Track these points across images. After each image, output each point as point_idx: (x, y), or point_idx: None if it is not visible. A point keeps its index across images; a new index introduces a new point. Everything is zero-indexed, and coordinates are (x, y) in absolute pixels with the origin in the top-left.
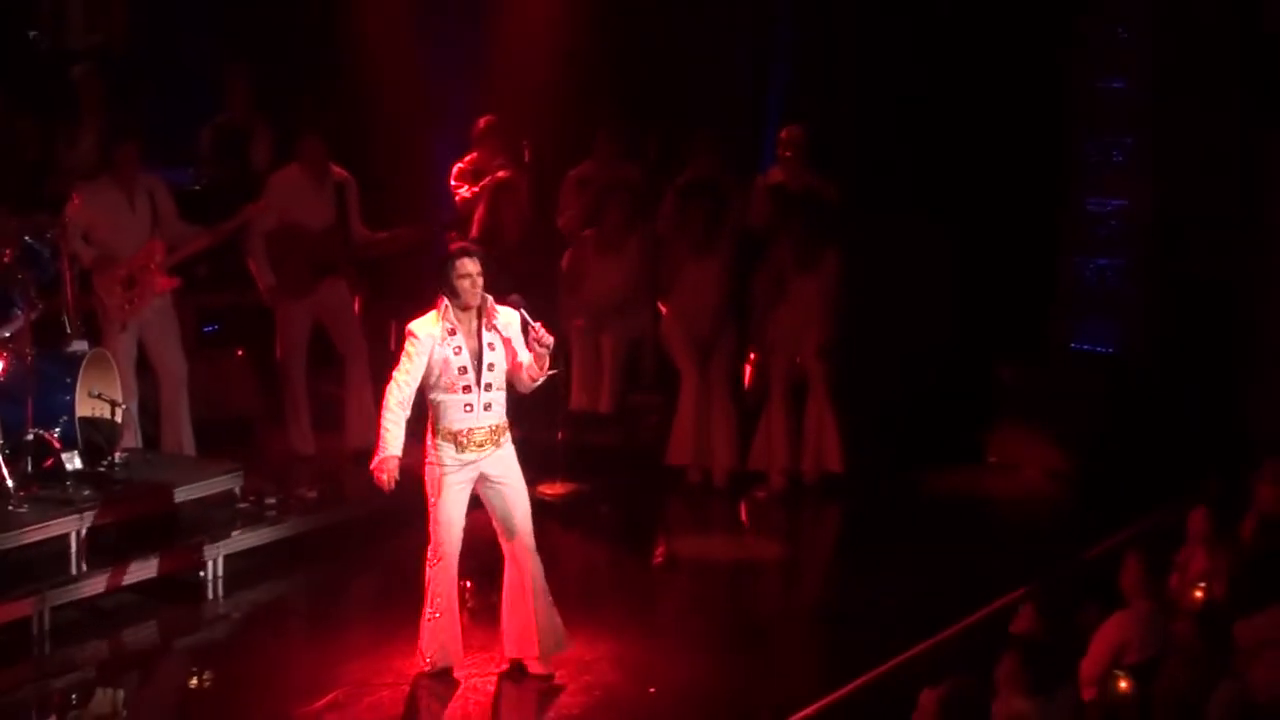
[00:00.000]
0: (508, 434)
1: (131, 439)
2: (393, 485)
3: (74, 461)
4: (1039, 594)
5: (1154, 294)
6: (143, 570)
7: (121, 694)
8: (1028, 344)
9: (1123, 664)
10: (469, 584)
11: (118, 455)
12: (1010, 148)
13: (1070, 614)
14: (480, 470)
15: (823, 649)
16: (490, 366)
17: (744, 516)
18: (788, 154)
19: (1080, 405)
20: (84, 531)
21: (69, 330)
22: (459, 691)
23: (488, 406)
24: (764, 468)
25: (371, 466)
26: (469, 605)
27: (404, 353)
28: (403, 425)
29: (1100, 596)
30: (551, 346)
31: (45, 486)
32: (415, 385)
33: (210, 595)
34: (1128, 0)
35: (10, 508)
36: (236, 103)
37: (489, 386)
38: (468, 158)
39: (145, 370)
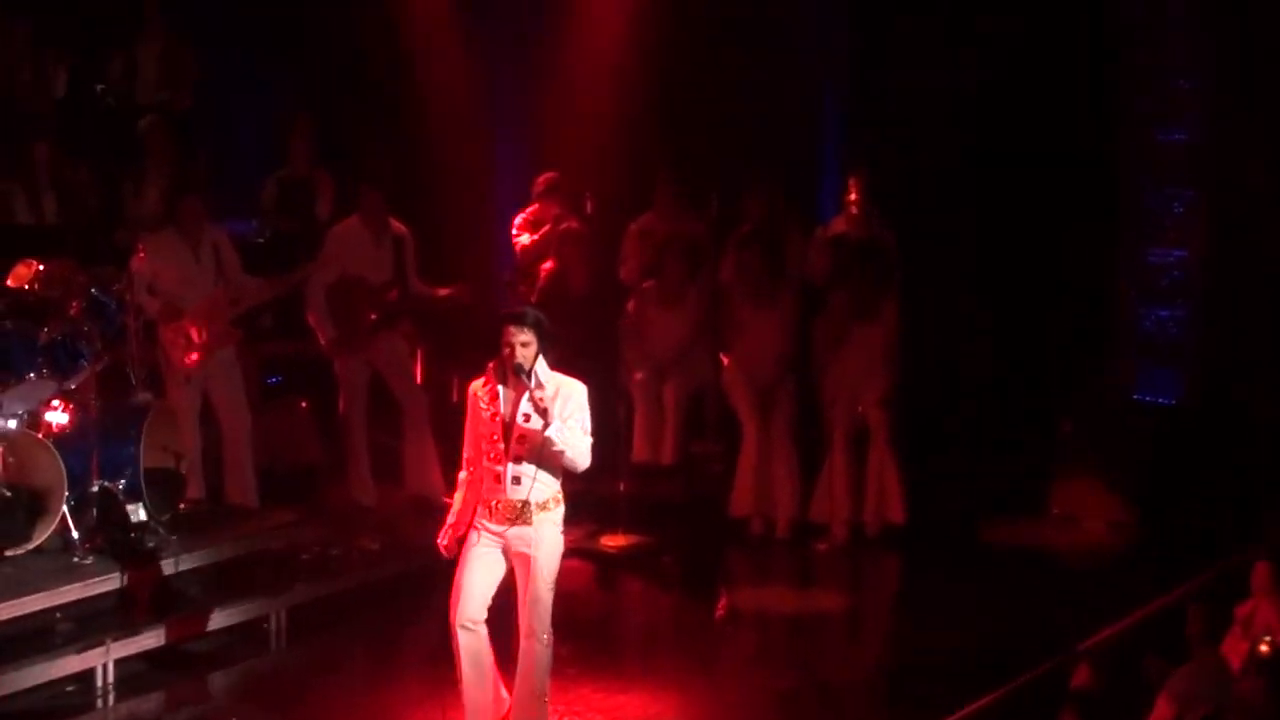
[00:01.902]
0: (546, 513)
1: (196, 490)
2: (450, 554)
3: (138, 513)
4: (1095, 651)
5: (1215, 345)
6: (207, 621)
7: None
8: (1090, 395)
9: (1188, 718)
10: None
11: (182, 506)
12: (1072, 199)
13: (1132, 668)
14: (508, 544)
15: (885, 702)
16: (521, 439)
17: (806, 568)
18: (854, 198)
19: (1141, 457)
20: (149, 583)
21: (134, 382)
22: None
23: (516, 480)
24: (826, 519)
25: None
26: None
27: None
28: (464, 491)
29: (1164, 649)
30: (547, 413)
31: (110, 538)
32: (474, 448)
33: (274, 645)
34: (1188, 52)
35: (75, 559)
36: (299, 156)
37: (519, 459)
38: (529, 209)
39: (209, 421)
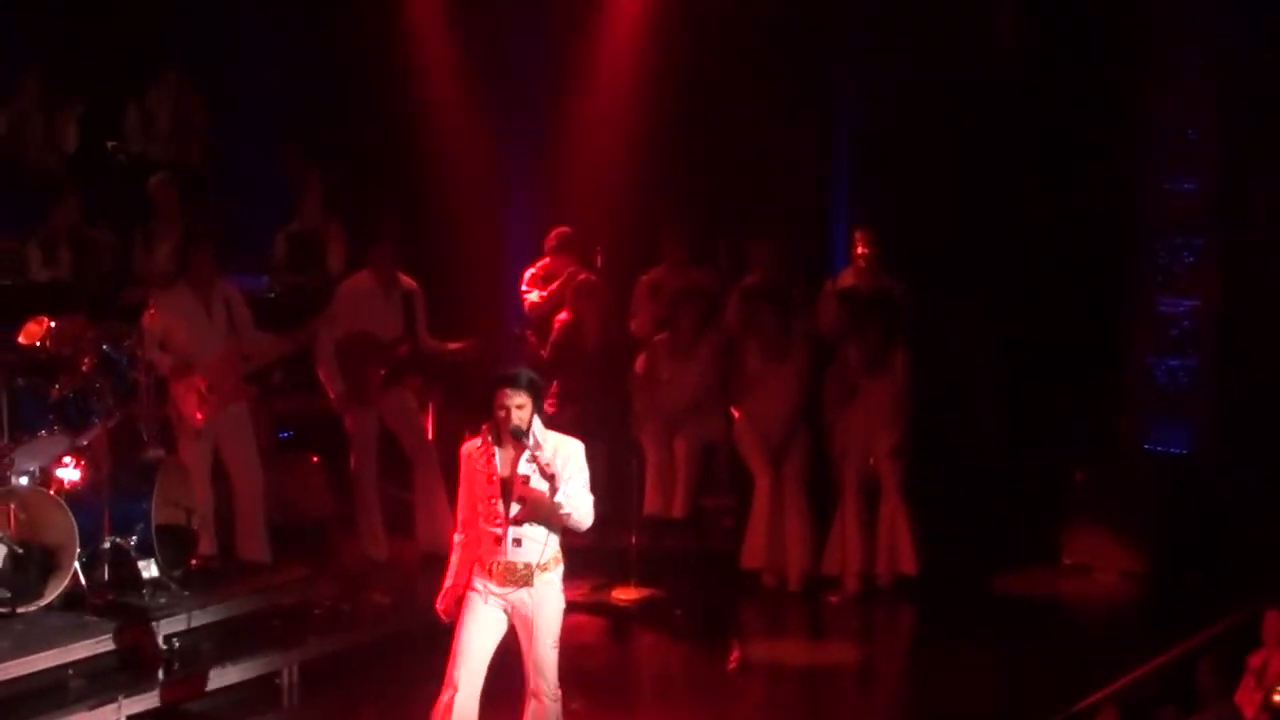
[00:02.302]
0: (547, 574)
1: (207, 546)
2: (450, 617)
3: (150, 569)
4: (1113, 700)
5: (1226, 394)
6: (219, 677)
7: None
8: (1101, 445)
9: None
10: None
11: (194, 562)
12: (1082, 247)
13: (1146, 718)
14: (509, 605)
15: None
16: (521, 500)
17: (819, 620)
18: (861, 251)
19: (1153, 507)
20: (160, 639)
21: (145, 438)
22: None
23: (517, 542)
24: (838, 571)
25: (436, 601)
26: None
27: None
28: (461, 553)
29: (1178, 699)
30: (555, 478)
31: (122, 594)
32: (469, 510)
33: (287, 701)
34: (1197, 102)
35: (87, 616)
36: (310, 209)
37: (519, 521)
38: (540, 264)
39: (221, 477)
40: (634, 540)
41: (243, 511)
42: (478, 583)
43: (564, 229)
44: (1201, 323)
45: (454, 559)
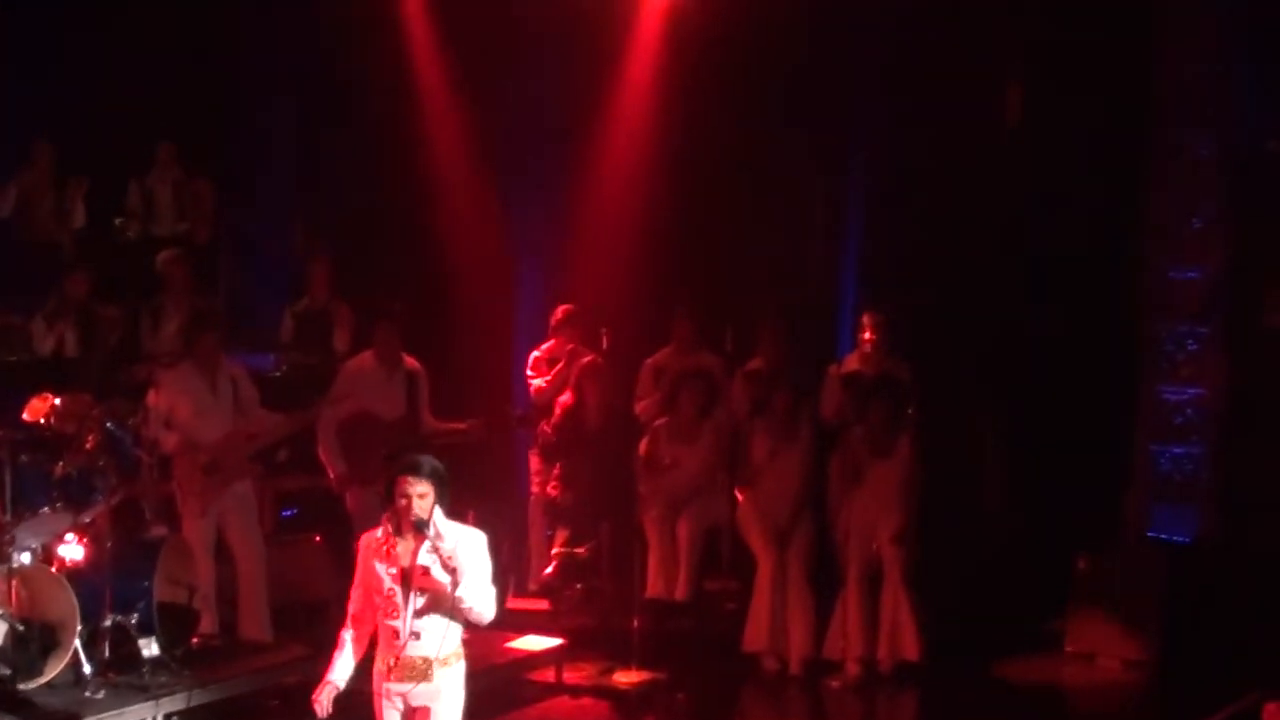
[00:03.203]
0: (447, 669)
1: (209, 624)
2: (323, 715)
3: (151, 648)
4: None
5: (1230, 482)
6: None
7: None
8: (1104, 532)
9: None
10: None
11: (195, 641)
12: (1086, 335)
13: None
14: (406, 703)
15: None
16: (421, 592)
17: (820, 705)
18: (868, 336)
19: (1156, 594)
20: (161, 718)
21: (148, 516)
22: None
23: (416, 635)
24: (840, 656)
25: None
26: None
27: None
28: (348, 648)
29: None
30: (456, 572)
31: (122, 673)
32: (362, 603)
33: None
34: (1203, 190)
35: (87, 694)
36: (318, 288)
37: (419, 614)
38: (545, 346)
39: (224, 556)
40: (636, 623)
41: (245, 590)
42: (379, 684)
43: (569, 306)
44: (1205, 410)
45: (336, 654)
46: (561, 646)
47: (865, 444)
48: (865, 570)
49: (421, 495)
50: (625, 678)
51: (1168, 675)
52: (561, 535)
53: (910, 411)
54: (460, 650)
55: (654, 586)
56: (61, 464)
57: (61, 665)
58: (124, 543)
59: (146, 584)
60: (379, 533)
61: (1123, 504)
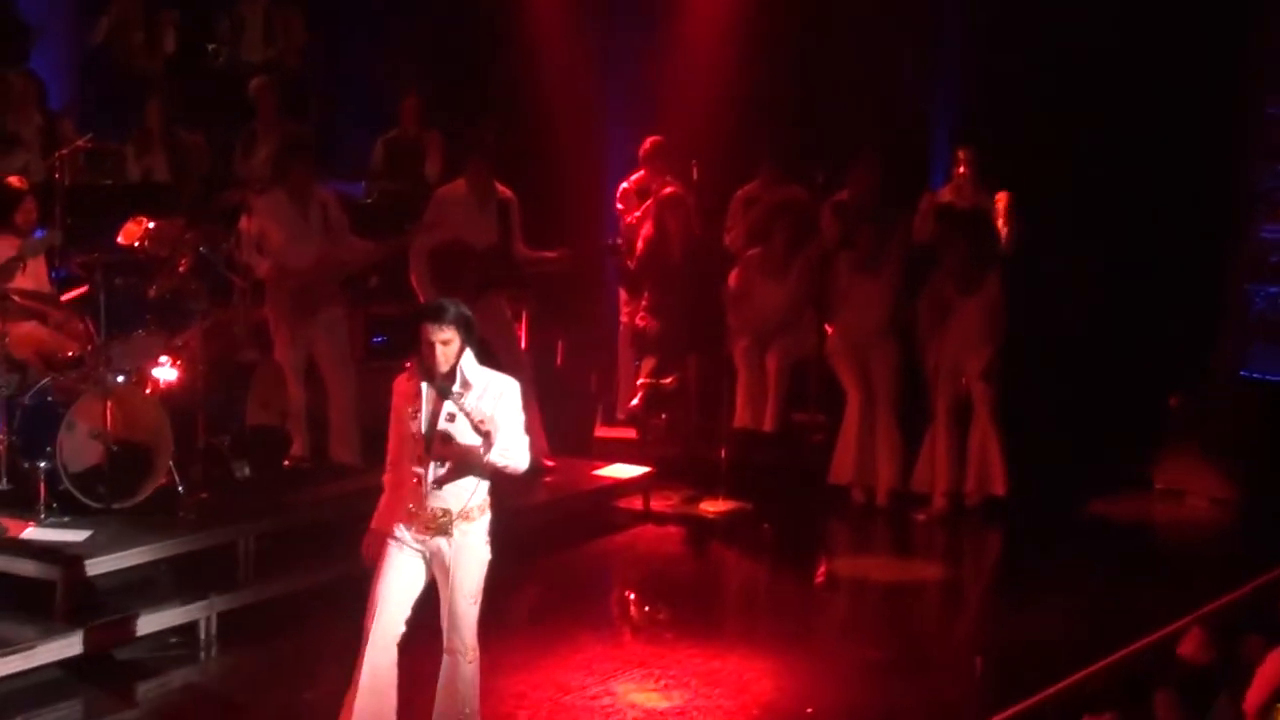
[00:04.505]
0: (469, 523)
1: (300, 447)
2: (373, 561)
3: (243, 470)
4: (1210, 619)
5: None
6: (309, 578)
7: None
8: (1198, 371)
9: None
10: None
11: (286, 463)
12: (1183, 173)
13: (1233, 645)
14: (428, 554)
15: (982, 675)
16: (444, 439)
17: (905, 537)
18: (962, 170)
19: (1248, 434)
20: (252, 539)
21: (240, 340)
22: (616, 706)
23: (438, 484)
24: (927, 489)
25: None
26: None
27: None
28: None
29: (1264, 629)
30: (489, 435)
31: (215, 494)
32: (399, 448)
33: None
34: None
35: (180, 514)
36: (408, 117)
37: (441, 463)
38: (634, 177)
39: (315, 380)
40: (724, 454)
41: (336, 415)
42: (397, 528)
43: (658, 138)
44: None
45: (382, 499)
46: (649, 475)
47: (953, 279)
48: (953, 405)
49: (446, 342)
50: (711, 507)
51: (1256, 515)
52: (647, 365)
53: (999, 247)
54: (485, 504)
55: (742, 417)
56: (155, 287)
57: (155, 486)
58: (216, 366)
59: (239, 407)
60: (407, 376)
61: (1217, 343)
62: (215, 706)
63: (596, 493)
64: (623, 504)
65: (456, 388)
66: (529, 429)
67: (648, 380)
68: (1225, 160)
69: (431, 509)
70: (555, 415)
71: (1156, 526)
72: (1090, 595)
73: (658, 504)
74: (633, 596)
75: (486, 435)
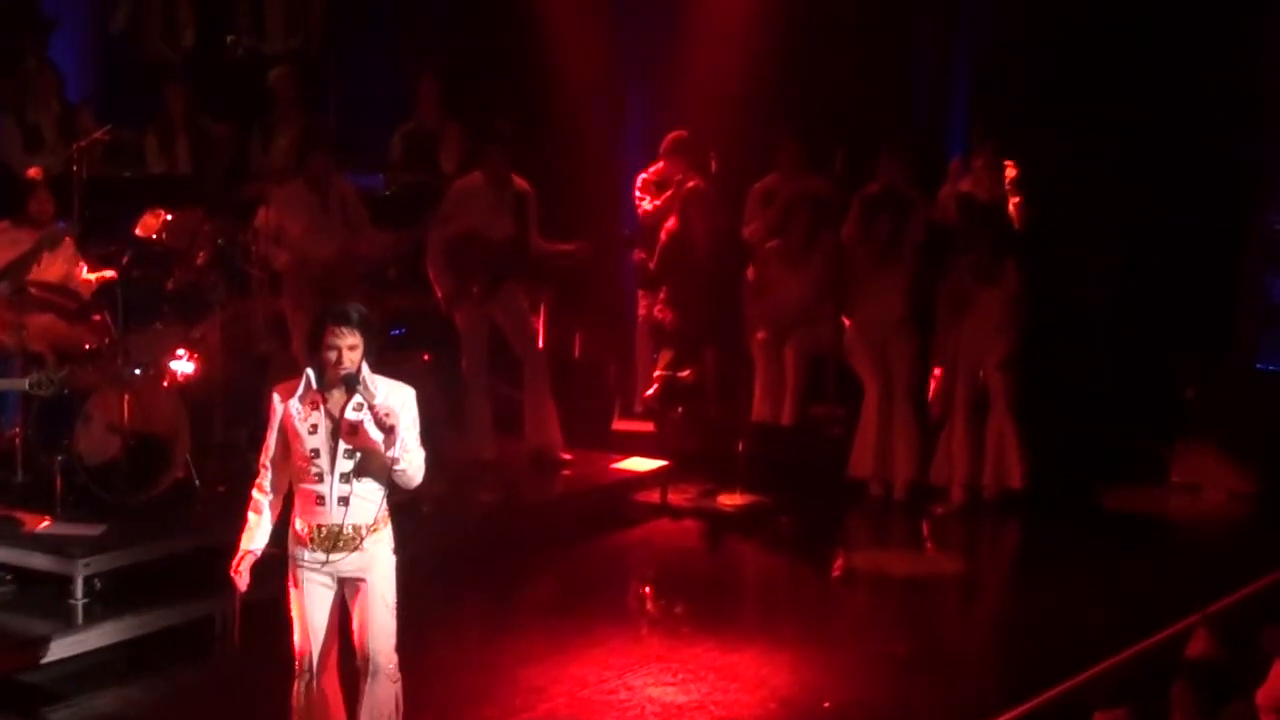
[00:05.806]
0: (376, 534)
1: None
2: (244, 587)
3: None
4: (1214, 619)
5: None
6: None
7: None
8: (1214, 363)
9: None
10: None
11: None
12: (1198, 162)
13: (1249, 638)
14: (337, 572)
15: (998, 668)
16: (350, 453)
17: (923, 531)
18: (980, 163)
19: (1264, 426)
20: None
21: (258, 332)
22: (633, 700)
23: (344, 500)
24: (945, 482)
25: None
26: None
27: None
28: (265, 513)
29: None
30: (393, 430)
31: (232, 488)
32: (277, 464)
33: None
34: None
35: (198, 508)
36: (427, 108)
37: (346, 477)
38: (653, 169)
39: None
40: (741, 447)
41: None
42: (297, 552)
43: (679, 133)
44: None
45: (251, 518)
46: (666, 468)
47: (972, 269)
48: (971, 397)
49: (351, 347)
50: (729, 500)
51: (1273, 508)
52: (665, 358)
53: (1018, 238)
54: (386, 514)
55: (759, 411)
56: (173, 279)
57: (172, 480)
58: (234, 358)
59: (256, 400)
60: (300, 388)
61: (1233, 335)
62: (232, 700)
63: (613, 486)
64: (640, 497)
65: (360, 388)
66: (546, 420)
67: (664, 373)
68: (1241, 147)
69: (338, 525)
70: (572, 408)
71: (1173, 519)
72: (1107, 589)
73: (675, 497)
74: (650, 590)
75: (390, 430)
